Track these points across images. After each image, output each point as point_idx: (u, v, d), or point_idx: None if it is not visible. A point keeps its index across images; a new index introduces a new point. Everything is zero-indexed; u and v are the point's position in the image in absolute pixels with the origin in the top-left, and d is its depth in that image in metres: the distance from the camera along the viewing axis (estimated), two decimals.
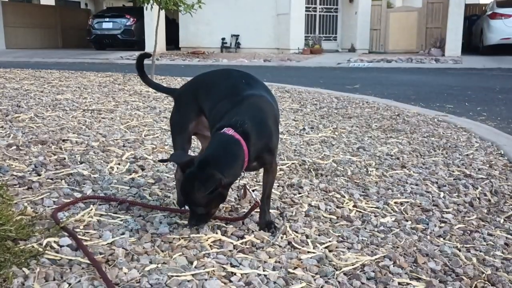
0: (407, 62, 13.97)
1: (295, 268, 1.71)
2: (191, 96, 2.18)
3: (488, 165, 3.19)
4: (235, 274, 1.64)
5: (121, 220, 2.05)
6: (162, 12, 7.76)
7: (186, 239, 1.90)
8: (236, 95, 1.98)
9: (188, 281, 1.57)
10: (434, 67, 13.00)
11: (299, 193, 2.51)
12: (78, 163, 2.82)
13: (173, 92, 2.37)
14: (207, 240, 1.88)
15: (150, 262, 1.69)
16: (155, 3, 7.45)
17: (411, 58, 14.59)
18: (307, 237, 1.98)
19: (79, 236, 1.86)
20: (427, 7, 17.90)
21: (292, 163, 3.05)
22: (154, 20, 7.20)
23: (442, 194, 2.60)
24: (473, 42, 18.14)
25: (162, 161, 2.58)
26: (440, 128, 4.44)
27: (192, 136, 2.26)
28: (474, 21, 18.57)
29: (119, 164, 2.86)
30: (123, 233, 1.92)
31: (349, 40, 18.89)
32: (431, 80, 9.82)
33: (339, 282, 1.62)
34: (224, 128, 1.84)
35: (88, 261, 1.66)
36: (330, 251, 1.86)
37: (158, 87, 2.46)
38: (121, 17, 19.33)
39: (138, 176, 2.66)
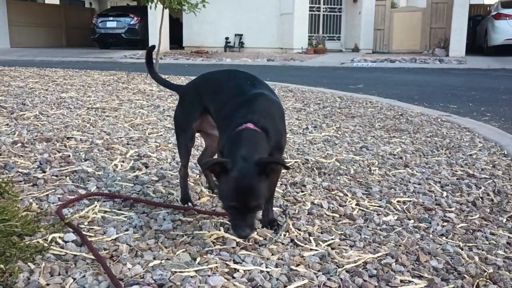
0: (410, 62, 13.95)
1: (297, 265, 1.72)
2: (195, 94, 2.17)
3: (491, 165, 3.20)
4: (238, 270, 1.66)
5: (125, 217, 2.07)
6: (166, 11, 7.78)
7: (190, 235, 1.91)
8: (245, 94, 1.95)
9: (191, 277, 1.59)
10: (438, 67, 12.98)
11: (302, 192, 2.52)
12: (83, 160, 2.84)
13: (178, 89, 2.36)
14: (210, 237, 1.90)
15: (154, 258, 1.70)
16: (159, 2, 7.47)
17: (415, 58, 14.58)
18: (309, 234, 1.99)
19: (84, 232, 1.87)
20: (431, 7, 17.88)
21: (295, 162, 3.06)
22: (158, 19, 7.21)
23: (445, 194, 2.60)
24: (477, 43, 18.10)
25: (204, 166, 2.14)
26: (444, 128, 4.44)
27: (196, 134, 2.26)
28: (478, 21, 18.53)
29: (123, 161, 2.88)
30: (127, 230, 1.93)
31: (353, 40, 18.87)
32: (435, 80, 9.80)
33: (341, 279, 1.63)
34: (243, 124, 1.78)
35: (93, 257, 1.68)
36: (332, 248, 1.87)
37: (165, 83, 2.46)
38: (125, 16, 19.38)
39: (142, 174, 2.68)
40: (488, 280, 1.69)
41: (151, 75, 2.47)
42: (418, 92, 7.66)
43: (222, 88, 2.08)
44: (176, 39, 19.28)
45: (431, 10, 17.88)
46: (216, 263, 1.69)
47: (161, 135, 3.63)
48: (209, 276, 1.59)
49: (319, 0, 18.74)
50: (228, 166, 1.67)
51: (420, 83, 9.26)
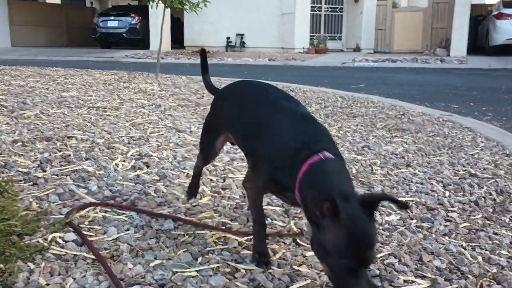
0: (412, 62, 13.93)
1: (300, 265, 1.71)
2: (219, 109, 1.95)
3: (493, 165, 3.18)
4: (239, 270, 1.64)
5: (126, 216, 2.05)
6: (167, 11, 7.77)
7: (191, 235, 1.90)
8: (292, 114, 1.63)
9: (193, 277, 1.57)
10: (439, 67, 12.96)
11: None
12: (83, 159, 2.83)
13: (216, 92, 2.15)
14: (211, 237, 1.88)
15: (155, 258, 1.69)
16: (160, 2, 7.46)
17: (416, 58, 14.55)
18: None
19: (84, 232, 1.86)
20: (432, 7, 17.85)
21: None
22: (159, 19, 7.21)
23: (447, 193, 2.59)
24: (478, 43, 18.06)
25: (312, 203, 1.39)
26: (445, 127, 4.43)
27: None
28: (479, 21, 18.49)
29: (124, 161, 2.87)
30: (128, 229, 1.92)
31: (354, 39, 18.85)
32: (436, 80, 9.78)
33: None
34: (317, 154, 1.44)
35: (93, 257, 1.67)
36: None
37: (212, 89, 2.20)
38: (126, 15, 19.37)
39: (143, 173, 2.67)
40: (492, 280, 1.68)
41: (203, 79, 2.23)
42: (419, 92, 7.64)
43: (248, 107, 1.76)
44: (177, 39, 19.27)
45: (432, 10, 17.85)
46: (218, 262, 1.67)
47: (162, 134, 3.62)
48: (210, 276, 1.58)
49: None
50: (340, 208, 1.25)
51: (421, 82, 9.24)
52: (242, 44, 18.83)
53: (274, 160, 1.54)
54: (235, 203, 2.28)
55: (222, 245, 1.83)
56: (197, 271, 1.61)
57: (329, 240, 1.27)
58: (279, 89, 1.82)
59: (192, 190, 2.21)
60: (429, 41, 17.78)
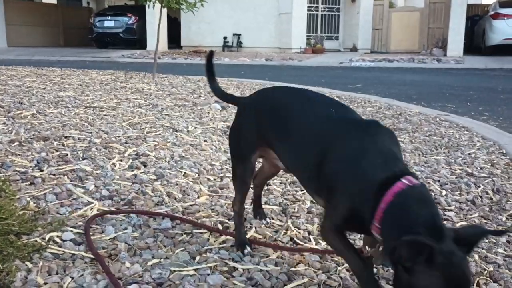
0: (409, 62, 13.96)
1: (297, 263, 1.72)
2: (253, 117, 1.69)
3: (490, 164, 3.19)
4: (237, 269, 1.65)
5: (124, 216, 2.05)
6: (164, 11, 7.77)
7: (189, 234, 1.90)
8: (358, 128, 1.41)
9: (191, 276, 1.58)
10: (436, 67, 12.99)
11: (301, 190, 2.51)
12: (81, 159, 2.83)
13: (237, 101, 1.90)
14: (209, 235, 1.89)
15: (153, 257, 1.69)
16: (157, 1, 7.46)
17: (413, 58, 14.58)
18: (309, 233, 1.98)
19: (81, 231, 1.86)
20: (429, 7, 17.89)
21: None
22: (156, 19, 7.20)
23: (444, 192, 2.60)
24: (475, 43, 18.12)
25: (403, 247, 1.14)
26: (442, 127, 4.44)
27: None
28: (476, 21, 18.55)
29: (121, 160, 2.87)
30: (125, 228, 1.92)
31: (351, 39, 18.88)
32: (433, 80, 9.81)
33: (341, 278, 1.62)
34: (399, 180, 1.25)
35: (91, 255, 1.67)
36: None
37: (225, 96, 1.97)
38: (123, 15, 19.33)
39: (140, 173, 2.67)
40: (489, 279, 1.69)
41: (210, 86, 2.01)
42: (416, 92, 7.66)
43: (295, 117, 1.54)
44: (174, 39, 19.25)
45: (429, 10, 17.89)
46: (216, 261, 1.68)
47: (160, 134, 3.62)
48: (208, 275, 1.59)
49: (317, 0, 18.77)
50: (437, 252, 1.09)
51: (418, 82, 9.26)
52: (239, 44, 18.83)
53: (353, 190, 1.29)
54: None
55: (220, 244, 1.83)
56: (195, 270, 1.62)
57: (420, 286, 1.11)
58: (328, 96, 1.63)
59: (243, 238, 1.80)
60: (426, 41, 17.82)
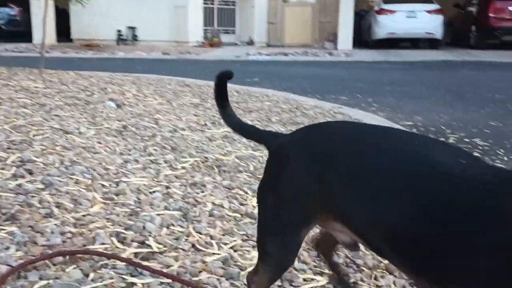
0: (303, 55, 14.41)
1: (200, 272, 1.66)
2: (309, 169, 1.11)
3: None
4: (136, 284, 1.55)
5: (6, 232, 1.86)
6: (51, 1, 7.25)
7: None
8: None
9: None
10: (328, 60, 13.55)
11: (202, 192, 2.45)
12: None
13: (269, 140, 1.32)
14: (105, 249, 1.76)
15: (40, 279, 1.54)
16: None
17: (307, 51, 15.09)
18: (211, 238, 1.93)
19: None
20: (320, 2, 18.62)
21: (195, 160, 2.98)
22: (41, 10, 6.72)
23: None
24: (363, 37, 19.18)
25: None
26: (336, 119, 4.61)
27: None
28: (363, 16, 19.63)
29: (3, 169, 2.60)
30: (7, 248, 1.73)
31: (247, 33, 19.09)
32: (326, 72, 10.21)
33: (244, 284, 1.59)
34: None
35: None
36: (235, 251, 1.83)
37: (246, 130, 1.43)
38: (5, 6, 17.89)
39: (25, 182, 2.44)
40: (385, 271, 1.75)
41: (223, 117, 1.44)
42: (310, 85, 7.91)
43: (394, 171, 1.00)
44: (63, 32, 18.14)
45: (320, 5, 18.61)
46: (112, 278, 1.57)
47: (48, 137, 3.35)
48: None
49: None
50: None
51: (312, 75, 9.58)
52: (134, 37, 18.23)
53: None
54: (129, 209, 2.16)
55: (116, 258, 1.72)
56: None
57: None
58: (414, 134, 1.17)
59: None
60: (318, 35, 18.53)
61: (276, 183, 1.16)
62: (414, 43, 17.02)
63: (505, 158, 3.68)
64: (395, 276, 1.72)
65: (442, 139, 4.18)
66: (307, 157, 1.12)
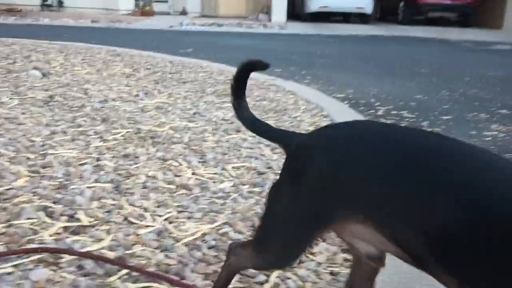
0: (237, 26, 14.29)
1: (133, 245, 1.62)
2: (334, 169, 1.01)
3: (314, 126, 3.42)
4: (63, 257, 1.49)
5: None
6: None
7: (8, 226, 1.67)
8: None
9: (9, 273, 1.38)
10: (262, 32, 13.52)
11: (135, 164, 2.39)
12: None
13: (287, 141, 1.18)
14: (31, 224, 1.68)
15: None
16: None
17: (241, 23, 14.97)
18: (145, 210, 1.89)
19: None
20: None
21: (127, 132, 2.89)
22: None
23: (275, 157, 2.71)
24: (296, 10, 19.29)
25: None
26: (271, 92, 4.63)
27: None
28: None
29: None
30: None
31: (181, 2, 18.61)
32: (260, 44, 10.20)
33: (179, 255, 1.58)
34: None
35: None
36: (170, 223, 1.81)
37: (260, 128, 1.29)
38: None
39: None
40: None
41: (236, 112, 1.33)
42: (245, 56, 7.71)
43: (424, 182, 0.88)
44: None
45: None
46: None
47: None
48: (31, 269, 1.41)
49: None
50: None
51: (246, 47, 9.53)
52: (60, 3, 17.24)
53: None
54: (57, 182, 2.07)
55: (46, 230, 1.65)
56: (14, 266, 1.42)
57: None
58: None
59: None
60: (253, 7, 18.41)
61: (294, 184, 1.07)
62: (345, 17, 17.34)
63: (429, 130, 3.86)
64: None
65: (371, 111, 4.33)
66: (331, 156, 1.03)
